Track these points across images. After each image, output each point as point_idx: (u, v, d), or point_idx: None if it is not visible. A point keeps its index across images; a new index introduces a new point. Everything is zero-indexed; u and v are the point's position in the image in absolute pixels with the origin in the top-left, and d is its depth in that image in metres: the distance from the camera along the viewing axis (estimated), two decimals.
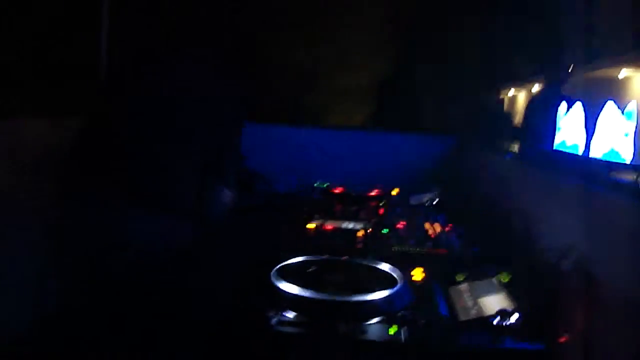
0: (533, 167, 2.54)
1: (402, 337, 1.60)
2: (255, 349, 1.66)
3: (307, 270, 2.00)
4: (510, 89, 4.01)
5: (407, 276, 2.04)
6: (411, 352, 1.59)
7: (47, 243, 2.51)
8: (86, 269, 2.29)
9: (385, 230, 2.62)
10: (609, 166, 2.01)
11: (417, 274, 2.09)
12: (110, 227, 2.31)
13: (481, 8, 4.32)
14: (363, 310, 1.72)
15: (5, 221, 2.39)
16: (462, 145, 4.20)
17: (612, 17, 2.54)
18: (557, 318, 1.72)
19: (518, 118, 3.83)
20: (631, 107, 2.07)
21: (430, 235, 2.57)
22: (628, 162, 2.05)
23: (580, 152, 2.38)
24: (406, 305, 1.79)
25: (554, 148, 2.55)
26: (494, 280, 1.96)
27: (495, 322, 1.66)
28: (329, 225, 2.69)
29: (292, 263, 2.06)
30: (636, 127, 2.07)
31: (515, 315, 1.66)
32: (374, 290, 1.78)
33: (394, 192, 3.57)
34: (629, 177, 1.86)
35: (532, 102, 3.78)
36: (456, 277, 2.05)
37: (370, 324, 1.68)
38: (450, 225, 2.74)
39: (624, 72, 2.86)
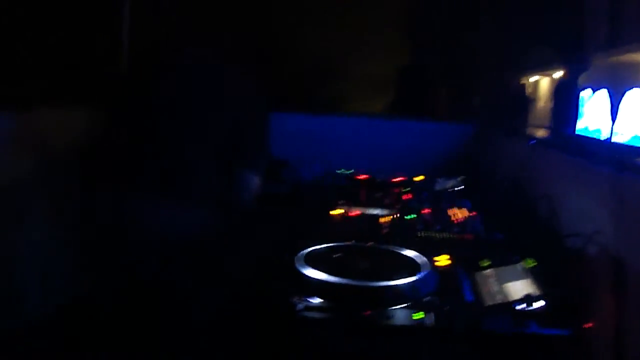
0: (557, 153, 2.53)
1: (428, 322, 1.61)
2: (281, 334, 1.68)
3: (333, 257, 2.01)
4: (532, 75, 3.99)
5: (432, 262, 2.05)
6: (436, 337, 1.60)
7: (73, 234, 2.55)
8: (117, 259, 2.33)
9: (410, 216, 2.63)
10: (634, 151, 2.01)
11: (443, 260, 2.10)
12: (141, 218, 2.35)
13: None
14: (388, 296, 1.73)
15: (31, 212, 2.43)
16: (484, 132, 4.19)
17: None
18: (583, 304, 1.72)
19: (541, 104, 3.81)
20: None
21: (455, 221, 2.57)
22: None
23: (603, 137, 2.38)
24: (431, 291, 1.80)
25: (577, 133, 2.54)
26: (519, 266, 1.97)
27: (520, 307, 1.66)
28: (354, 212, 2.70)
29: (318, 249, 2.08)
30: None
31: (541, 301, 1.67)
32: (399, 277, 1.79)
33: (418, 179, 3.58)
34: None
35: (556, 88, 3.76)
36: (481, 263, 2.05)
37: (396, 309, 1.69)
38: (475, 211, 2.75)
39: None
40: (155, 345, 2.09)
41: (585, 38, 2.84)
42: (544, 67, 3.68)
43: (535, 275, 1.86)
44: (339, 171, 3.70)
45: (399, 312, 1.67)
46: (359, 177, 3.51)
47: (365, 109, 4.84)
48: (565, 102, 2.75)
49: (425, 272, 1.86)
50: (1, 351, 2.20)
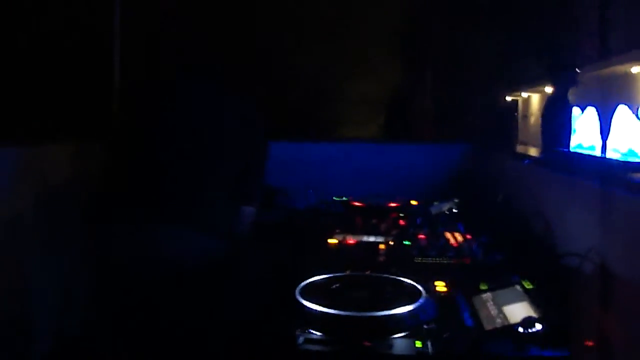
0: (551, 171, 2.54)
1: (430, 350, 1.61)
2: None
3: (332, 287, 2.01)
4: (523, 93, 4.01)
5: (430, 288, 2.06)
6: None
7: (80, 264, 2.56)
8: (121, 285, 2.33)
9: (407, 242, 2.63)
10: (628, 167, 2.01)
11: (441, 285, 2.11)
12: (144, 244, 2.35)
13: (492, 13, 4.32)
14: (388, 325, 1.73)
15: (40, 244, 2.44)
16: (478, 153, 4.20)
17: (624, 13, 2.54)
18: (581, 323, 1.72)
19: (533, 122, 3.82)
20: None
21: (451, 245, 2.57)
22: None
23: (597, 153, 2.39)
24: (431, 318, 1.80)
25: (571, 150, 2.55)
26: (517, 287, 1.97)
27: (520, 330, 1.66)
28: (351, 240, 2.70)
29: (316, 280, 2.08)
30: None
31: (540, 323, 1.67)
32: (398, 305, 1.79)
33: (413, 203, 3.58)
34: None
35: (547, 105, 3.78)
36: (480, 286, 2.06)
37: (396, 338, 1.69)
38: (470, 234, 2.75)
39: (636, 69, 2.84)
40: None
41: (574, 54, 2.86)
42: (535, 84, 3.70)
43: (533, 296, 1.86)
44: (334, 198, 3.70)
45: (400, 341, 1.67)
46: (354, 204, 3.51)
47: (358, 134, 4.85)
48: (558, 119, 2.76)
49: (423, 299, 1.86)
50: None
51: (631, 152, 2.10)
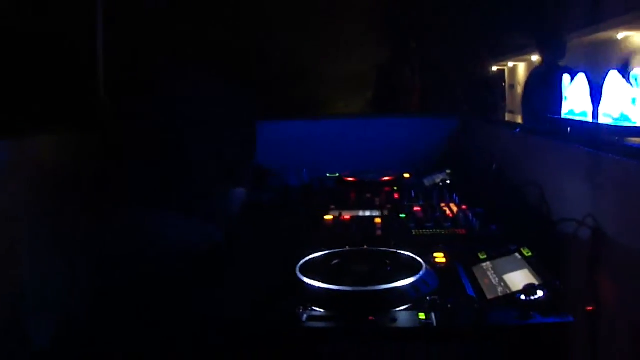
0: (544, 138, 2.55)
1: (434, 321, 1.61)
2: (286, 347, 1.68)
3: (331, 263, 2.01)
4: (509, 62, 4.02)
5: (429, 259, 2.06)
6: (443, 336, 1.61)
7: (76, 254, 2.55)
8: (117, 274, 2.33)
9: (402, 215, 2.63)
10: (620, 131, 2.02)
11: (440, 257, 2.11)
12: (140, 232, 2.35)
13: None
14: (391, 299, 1.73)
15: (32, 235, 2.42)
16: (467, 124, 4.20)
17: None
18: (582, 288, 1.73)
19: (520, 91, 3.83)
20: (636, 72, 2.07)
21: (447, 216, 2.58)
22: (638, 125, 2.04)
23: (589, 119, 2.39)
24: (433, 290, 1.81)
25: (562, 117, 2.55)
26: (517, 255, 1.98)
27: (522, 298, 1.67)
28: (346, 215, 2.71)
29: (315, 257, 2.08)
30: None
31: (542, 290, 1.68)
32: (399, 278, 1.80)
33: (407, 176, 3.59)
34: None
35: (535, 73, 3.79)
36: (479, 256, 2.07)
37: (399, 311, 1.69)
38: (465, 204, 2.76)
39: (623, 34, 2.85)
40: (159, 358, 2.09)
41: (562, 21, 2.87)
42: (521, 53, 3.71)
43: (533, 264, 1.87)
44: (327, 175, 3.70)
45: (403, 314, 1.68)
46: (348, 179, 3.51)
47: (346, 110, 4.84)
48: (548, 87, 2.76)
49: (424, 271, 1.87)
50: None
51: (623, 117, 2.10)
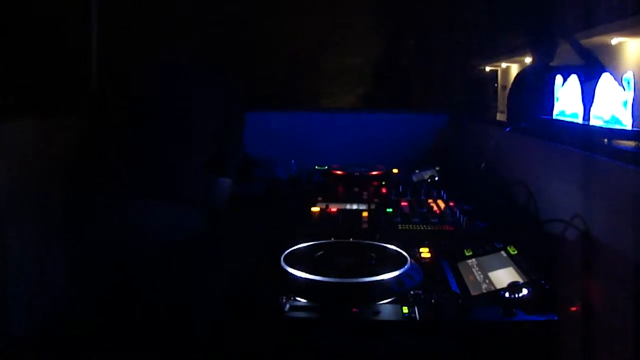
0: (534, 138, 2.54)
1: (417, 315, 1.61)
2: (269, 336, 1.67)
3: (316, 255, 2.00)
4: (502, 63, 4.02)
5: (415, 254, 2.05)
6: (426, 330, 1.60)
7: (57, 240, 2.53)
8: (101, 261, 2.31)
9: (389, 210, 2.62)
10: (609, 133, 2.02)
11: (425, 252, 2.11)
12: (120, 218, 2.33)
13: None
14: (375, 291, 1.72)
15: (15, 221, 2.40)
16: (458, 122, 4.20)
17: None
18: (566, 288, 1.73)
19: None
20: (628, 75, 2.07)
21: (434, 212, 2.58)
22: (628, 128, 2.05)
23: (580, 121, 2.39)
24: (417, 284, 1.80)
25: (553, 117, 2.55)
26: (502, 253, 1.97)
27: (506, 296, 1.67)
28: (333, 208, 2.69)
29: (300, 248, 2.07)
30: (634, 96, 2.07)
31: (526, 288, 1.67)
32: (384, 271, 1.79)
33: (395, 171, 3.58)
34: (630, 144, 1.87)
35: (528, 73, 3.78)
36: (464, 252, 2.06)
37: (383, 304, 1.69)
38: (453, 201, 2.76)
39: (617, 39, 2.85)
40: (143, 348, 2.08)
41: (555, 22, 2.86)
42: (514, 55, 3.71)
43: (518, 262, 1.87)
44: (315, 167, 3.69)
45: (387, 307, 1.67)
46: (336, 173, 3.50)
47: (338, 104, 4.84)
48: (539, 86, 2.76)
49: (409, 265, 1.86)
50: None
51: (614, 119, 2.10)
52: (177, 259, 2.28)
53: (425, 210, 2.60)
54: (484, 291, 1.77)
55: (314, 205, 2.72)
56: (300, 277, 1.78)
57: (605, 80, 2.13)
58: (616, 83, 2.12)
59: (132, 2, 3.41)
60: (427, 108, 4.60)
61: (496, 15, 4.05)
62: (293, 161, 3.79)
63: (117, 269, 2.27)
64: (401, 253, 1.99)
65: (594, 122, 2.17)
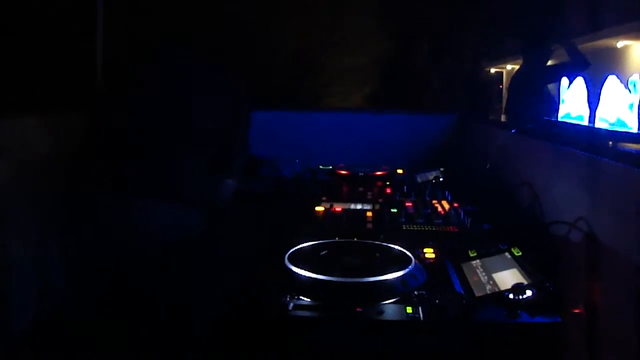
0: (539, 140, 2.54)
1: (421, 315, 1.61)
2: (272, 335, 1.67)
3: (320, 254, 2.00)
4: (508, 65, 4.01)
5: (419, 254, 2.06)
6: (430, 330, 1.60)
7: (56, 239, 2.53)
8: (101, 261, 2.31)
9: (394, 210, 2.63)
10: (614, 136, 2.02)
11: (429, 252, 2.11)
12: (122, 217, 2.33)
13: None
14: (379, 291, 1.73)
15: (14, 220, 2.40)
16: (463, 123, 4.20)
17: None
18: (570, 290, 1.73)
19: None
20: (634, 78, 2.07)
21: (439, 213, 2.58)
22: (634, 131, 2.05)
23: (585, 123, 2.39)
24: (421, 284, 1.80)
25: (559, 120, 2.55)
26: (507, 254, 1.98)
27: (510, 297, 1.67)
28: (338, 207, 2.70)
29: (304, 247, 2.07)
30: None
31: (530, 289, 1.68)
32: (388, 271, 1.79)
33: (400, 171, 3.58)
34: (636, 146, 1.87)
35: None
36: (468, 253, 2.06)
37: (387, 304, 1.69)
38: (457, 202, 2.76)
39: (623, 42, 2.84)
40: (143, 349, 2.08)
41: (562, 25, 2.86)
42: (519, 57, 3.70)
43: (522, 263, 1.87)
44: (319, 167, 3.69)
45: (391, 307, 1.67)
46: (341, 172, 3.50)
47: (344, 104, 4.84)
48: (545, 89, 2.76)
49: (413, 265, 1.86)
50: None
51: (619, 122, 2.10)
52: (177, 259, 2.27)
53: (429, 210, 2.60)
54: (488, 292, 1.77)
55: (319, 205, 2.73)
56: (305, 277, 1.78)
57: (611, 83, 2.13)
58: (622, 86, 2.12)
59: (136, 2, 3.42)
60: (432, 109, 4.60)
61: (504, 15, 4.05)
62: (297, 161, 3.79)
63: (117, 269, 2.27)
64: (405, 253, 1.99)
65: (599, 124, 2.17)
